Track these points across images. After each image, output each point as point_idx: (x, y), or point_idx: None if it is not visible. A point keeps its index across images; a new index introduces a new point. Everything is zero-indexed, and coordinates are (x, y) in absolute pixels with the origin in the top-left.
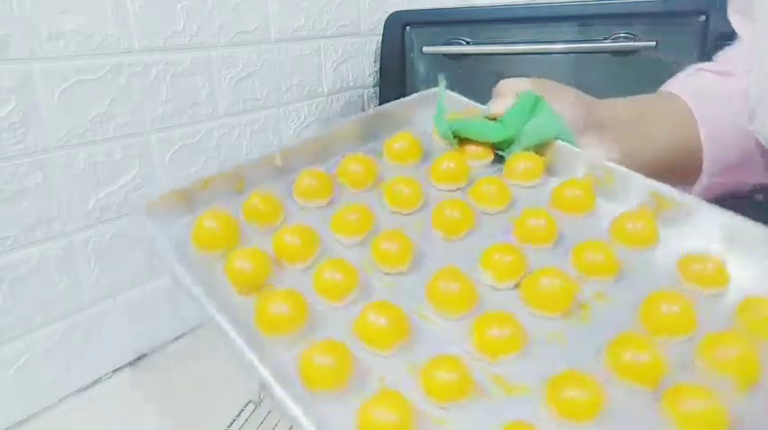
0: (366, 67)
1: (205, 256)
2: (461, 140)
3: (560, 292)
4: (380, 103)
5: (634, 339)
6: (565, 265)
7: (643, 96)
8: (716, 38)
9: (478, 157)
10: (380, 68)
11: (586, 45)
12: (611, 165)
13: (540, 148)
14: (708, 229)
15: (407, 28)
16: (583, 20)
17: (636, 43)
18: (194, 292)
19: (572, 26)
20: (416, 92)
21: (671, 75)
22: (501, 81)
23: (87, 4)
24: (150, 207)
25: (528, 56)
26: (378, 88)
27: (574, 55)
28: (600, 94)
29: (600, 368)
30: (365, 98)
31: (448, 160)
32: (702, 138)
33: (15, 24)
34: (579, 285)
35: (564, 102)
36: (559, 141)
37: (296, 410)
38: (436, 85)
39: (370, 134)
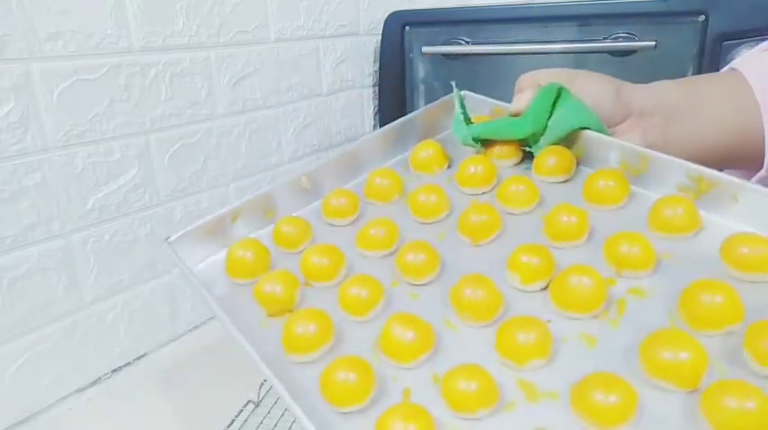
0: (365, 67)
1: (239, 284)
2: (487, 143)
3: (590, 291)
4: (380, 103)
5: (669, 335)
6: (598, 261)
7: (700, 77)
8: (715, 37)
9: (505, 157)
10: (380, 68)
11: (586, 45)
12: (644, 150)
13: (568, 141)
14: (754, 212)
15: (407, 28)
16: (582, 20)
17: (635, 43)
18: (222, 319)
19: (571, 26)
20: (416, 92)
21: (671, 75)
22: (520, 76)
23: (86, 4)
24: (181, 239)
25: (527, 56)
26: (377, 88)
27: (573, 55)
28: None
29: (633, 369)
30: (364, 98)
31: (474, 164)
32: (765, 124)
33: (14, 24)
34: (613, 281)
35: (591, 88)
36: (587, 131)
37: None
38: (435, 84)
39: (396, 146)
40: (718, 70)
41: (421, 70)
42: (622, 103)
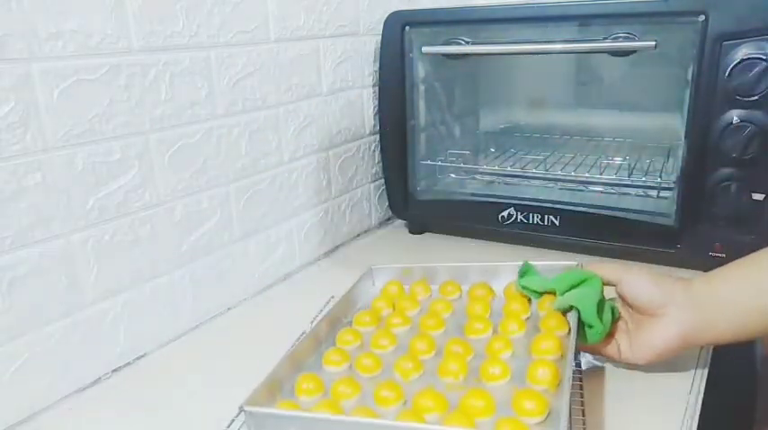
0: (365, 67)
1: None
2: (538, 293)
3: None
4: (380, 103)
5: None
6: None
7: (740, 261)
8: (715, 37)
9: (542, 308)
10: (380, 68)
11: (586, 45)
12: (573, 332)
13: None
14: None
15: (407, 28)
16: (582, 20)
17: (635, 43)
18: None
19: (571, 26)
20: (416, 92)
21: (671, 75)
22: (591, 263)
23: (86, 4)
24: None
25: (527, 56)
26: (377, 88)
27: (573, 55)
28: (600, 93)
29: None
30: (364, 98)
31: (514, 300)
32: None
33: (14, 24)
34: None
35: (636, 278)
36: (574, 310)
37: None
38: (435, 84)
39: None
40: (718, 70)
41: (421, 70)
42: (661, 294)
